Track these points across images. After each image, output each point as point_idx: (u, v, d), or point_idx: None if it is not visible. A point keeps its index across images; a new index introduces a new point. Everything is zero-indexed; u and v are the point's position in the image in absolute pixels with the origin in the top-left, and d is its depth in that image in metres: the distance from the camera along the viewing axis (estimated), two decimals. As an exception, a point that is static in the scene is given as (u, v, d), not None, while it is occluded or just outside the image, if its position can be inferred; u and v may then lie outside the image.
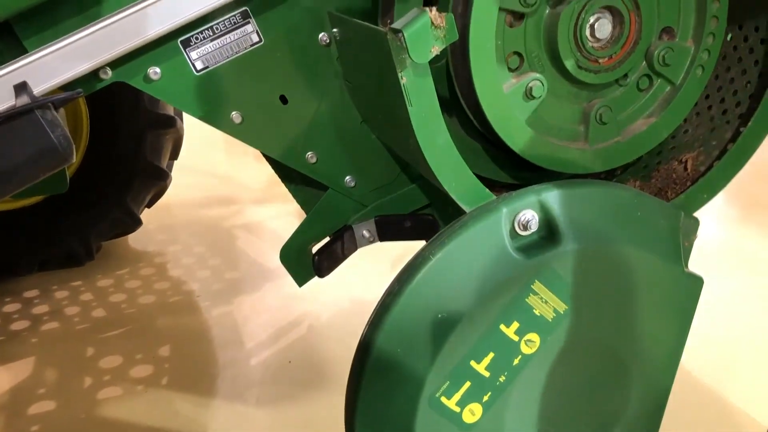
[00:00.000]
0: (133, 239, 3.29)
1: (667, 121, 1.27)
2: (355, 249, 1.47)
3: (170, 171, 3.01)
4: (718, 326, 2.34)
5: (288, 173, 1.45)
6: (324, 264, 1.46)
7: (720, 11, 1.23)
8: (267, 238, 3.25)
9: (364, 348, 1.05)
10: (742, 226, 3.25)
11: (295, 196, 1.50)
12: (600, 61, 1.18)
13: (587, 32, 1.15)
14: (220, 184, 3.98)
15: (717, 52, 1.26)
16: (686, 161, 1.32)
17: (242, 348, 2.37)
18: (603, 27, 1.16)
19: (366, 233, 1.44)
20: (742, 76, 1.29)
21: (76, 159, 2.65)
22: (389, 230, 1.44)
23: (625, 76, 1.23)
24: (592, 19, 1.15)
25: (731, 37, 1.29)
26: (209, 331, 2.50)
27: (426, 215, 1.45)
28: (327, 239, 1.48)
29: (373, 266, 2.50)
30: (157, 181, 2.92)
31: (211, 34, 1.19)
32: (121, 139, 2.76)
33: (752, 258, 2.88)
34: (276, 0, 1.20)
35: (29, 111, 0.92)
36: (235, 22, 1.20)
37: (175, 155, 3.05)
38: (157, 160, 2.85)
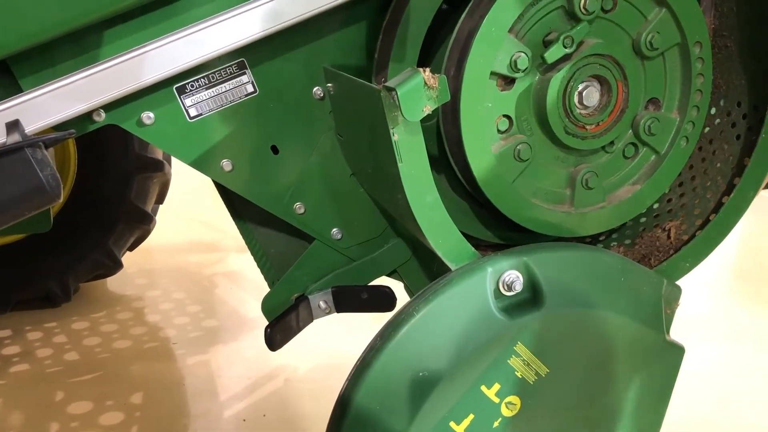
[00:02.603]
0: (112, 282, 3.24)
1: (652, 189, 1.29)
2: (311, 321, 1.44)
3: (155, 215, 3.00)
4: (699, 397, 2.32)
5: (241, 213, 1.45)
6: (277, 337, 1.41)
7: (704, 85, 1.27)
8: (248, 287, 3.22)
9: (343, 404, 1.04)
10: (724, 295, 3.27)
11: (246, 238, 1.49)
12: (587, 127, 1.21)
13: (575, 99, 1.18)
14: (204, 231, 3.95)
15: (701, 125, 1.29)
16: (670, 229, 1.34)
17: (216, 399, 2.31)
18: (591, 95, 1.18)
19: (322, 304, 1.42)
20: (724, 149, 1.32)
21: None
22: (346, 301, 1.43)
23: (612, 143, 1.25)
24: (580, 87, 1.18)
25: (715, 111, 1.33)
26: (183, 380, 2.45)
27: (383, 287, 1.44)
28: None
29: (355, 319, 2.47)
30: (140, 224, 2.90)
31: (207, 82, 1.20)
32: (108, 180, 2.75)
33: (735, 328, 2.89)
34: (273, 53, 1.22)
35: (19, 149, 0.92)
36: (231, 72, 1.21)
37: (160, 199, 3.04)
38: (143, 204, 2.84)
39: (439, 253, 1.10)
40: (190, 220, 4.11)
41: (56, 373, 2.46)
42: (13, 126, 1.00)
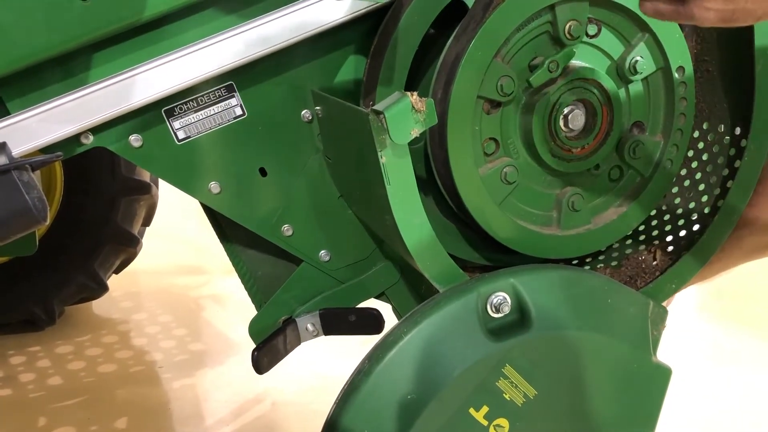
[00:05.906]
0: (97, 305, 3.21)
1: (637, 211, 1.31)
2: (298, 343, 1.43)
3: (141, 237, 2.98)
4: (685, 418, 2.32)
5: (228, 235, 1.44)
6: (264, 360, 1.39)
7: (687, 109, 1.28)
8: (234, 310, 3.20)
9: (330, 428, 1.03)
10: (707, 315, 3.29)
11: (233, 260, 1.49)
12: (573, 150, 1.22)
13: (561, 123, 1.19)
14: (191, 253, 3.93)
15: (685, 148, 1.31)
16: (655, 251, 1.35)
17: (202, 423, 2.29)
18: (576, 118, 1.20)
19: (310, 327, 1.41)
20: (708, 172, 1.33)
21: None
22: (334, 324, 1.42)
23: (597, 166, 1.27)
24: (566, 111, 1.19)
25: (698, 134, 1.34)
26: (169, 404, 2.42)
27: (371, 310, 1.44)
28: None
29: (342, 341, 2.46)
30: (127, 247, 2.88)
31: (196, 105, 1.21)
32: (94, 202, 2.74)
33: (717, 348, 2.90)
34: (262, 76, 1.23)
35: (6, 171, 0.92)
36: (219, 95, 1.22)
37: (147, 222, 3.02)
38: (129, 226, 2.82)
39: (427, 275, 1.10)
40: (177, 243, 4.08)
41: (39, 398, 2.42)
42: (0, 148, 0.99)
